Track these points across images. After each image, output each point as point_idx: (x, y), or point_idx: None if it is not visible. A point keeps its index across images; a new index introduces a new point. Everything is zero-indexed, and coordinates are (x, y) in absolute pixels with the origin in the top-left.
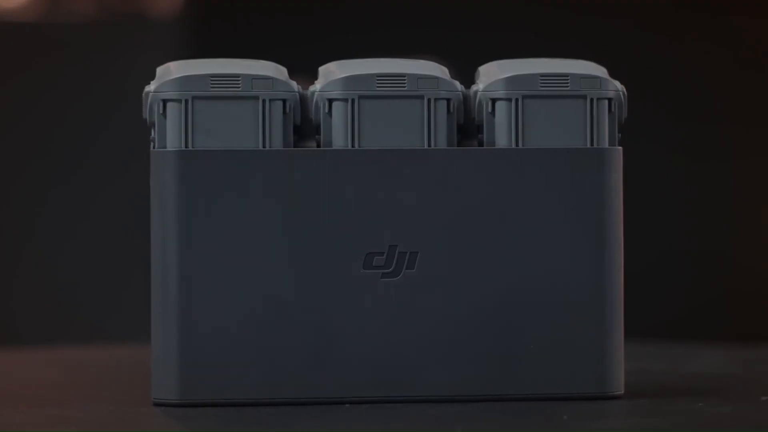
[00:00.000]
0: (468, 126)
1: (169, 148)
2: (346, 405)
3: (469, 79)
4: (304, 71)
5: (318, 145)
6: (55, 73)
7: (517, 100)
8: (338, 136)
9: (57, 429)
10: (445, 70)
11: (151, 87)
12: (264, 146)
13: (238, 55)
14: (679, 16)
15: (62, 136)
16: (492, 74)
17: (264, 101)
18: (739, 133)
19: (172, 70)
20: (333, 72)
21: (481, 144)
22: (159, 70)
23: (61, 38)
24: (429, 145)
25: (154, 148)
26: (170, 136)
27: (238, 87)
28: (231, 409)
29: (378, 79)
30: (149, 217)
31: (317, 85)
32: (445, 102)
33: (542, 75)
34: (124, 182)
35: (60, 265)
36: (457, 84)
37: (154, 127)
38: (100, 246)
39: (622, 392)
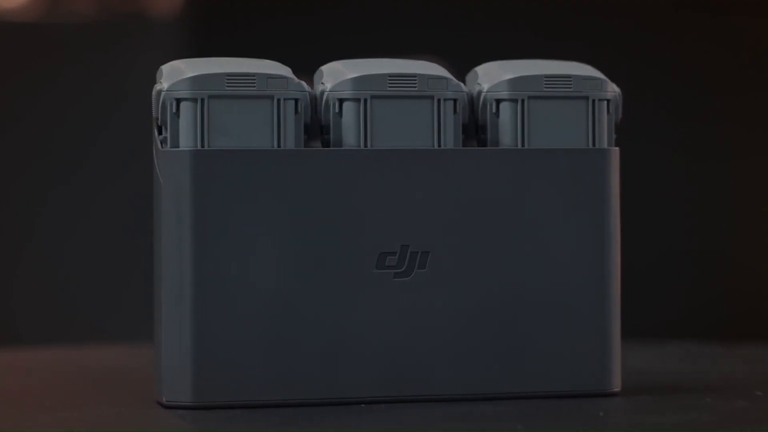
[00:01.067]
0: (467, 126)
1: (182, 148)
2: (362, 405)
3: (462, 80)
4: (304, 71)
5: (323, 145)
6: (55, 73)
7: (522, 101)
8: (349, 136)
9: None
10: (445, 70)
11: (164, 86)
12: (279, 146)
13: (239, 55)
14: (679, 16)
15: (62, 136)
16: (494, 75)
17: (279, 101)
18: (739, 133)
19: (184, 68)
20: (341, 72)
21: (482, 144)
22: (165, 68)
23: (61, 38)
24: (439, 145)
25: (162, 147)
26: (184, 136)
27: (254, 86)
28: (244, 411)
29: (390, 79)
30: (151, 217)
31: (327, 85)
32: (452, 102)
33: (546, 76)
34: (124, 182)
35: (60, 265)
36: (462, 84)
37: (166, 126)
38: (100, 246)
39: (620, 389)
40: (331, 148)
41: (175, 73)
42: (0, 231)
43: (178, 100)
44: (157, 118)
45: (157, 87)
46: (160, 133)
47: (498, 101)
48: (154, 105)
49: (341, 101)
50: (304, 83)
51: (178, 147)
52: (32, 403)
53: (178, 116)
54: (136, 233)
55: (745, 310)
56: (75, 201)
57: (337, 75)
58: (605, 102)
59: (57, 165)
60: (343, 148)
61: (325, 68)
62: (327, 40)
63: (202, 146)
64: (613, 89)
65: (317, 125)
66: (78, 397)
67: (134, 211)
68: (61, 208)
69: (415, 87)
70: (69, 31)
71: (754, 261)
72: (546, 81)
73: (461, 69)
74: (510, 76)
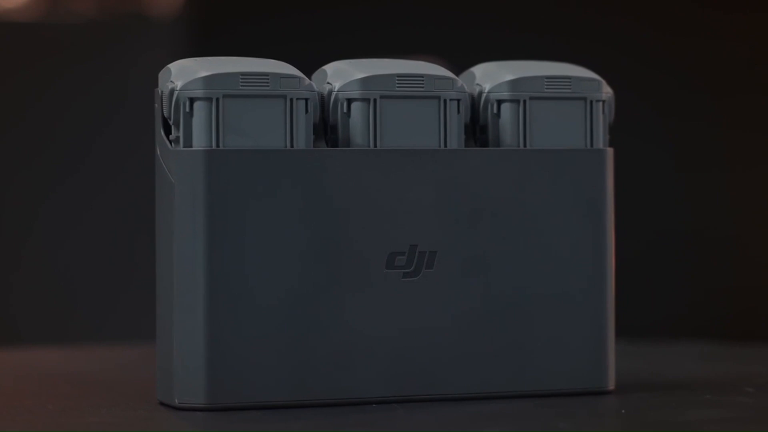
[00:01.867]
0: (466, 126)
1: (196, 147)
2: (373, 405)
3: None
4: (303, 71)
5: (329, 144)
6: (55, 73)
7: (524, 101)
8: (356, 135)
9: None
10: (448, 71)
11: (177, 84)
12: (291, 145)
13: (239, 55)
14: (680, 16)
15: (62, 136)
16: (494, 76)
17: (291, 100)
18: (741, 133)
19: (196, 68)
20: (348, 72)
21: (482, 144)
22: (173, 67)
23: (61, 38)
24: (444, 145)
25: (173, 146)
26: (197, 135)
27: (267, 86)
28: (255, 412)
29: (398, 80)
30: (152, 217)
31: (334, 85)
32: (456, 102)
33: (547, 77)
34: (124, 182)
35: (60, 265)
36: (465, 85)
37: (178, 125)
38: (100, 246)
39: (613, 387)
40: (345, 148)
41: (187, 73)
42: (0, 231)
43: (192, 99)
44: (169, 117)
45: (169, 86)
46: (167, 132)
47: (499, 102)
48: (165, 104)
49: (349, 101)
50: (313, 83)
51: (192, 146)
52: (32, 403)
53: (192, 115)
54: (136, 233)
55: (743, 309)
56: (75, 201)
57: (343, 75)
58: (601, 103)
59: (57, 165)
60: (351, 148)
61: (328, 68)
62: (326, 40)
63: (217, 146)
64: (607, 90)
65: (322, 124)
66: (78, 397)
67: (134, 211)
68: (61, 208)
69: (423, 87)
70: (69, 31)
71: (754, 261)
72: (547, 82)
73: (462, 69)
74: (511, 77)
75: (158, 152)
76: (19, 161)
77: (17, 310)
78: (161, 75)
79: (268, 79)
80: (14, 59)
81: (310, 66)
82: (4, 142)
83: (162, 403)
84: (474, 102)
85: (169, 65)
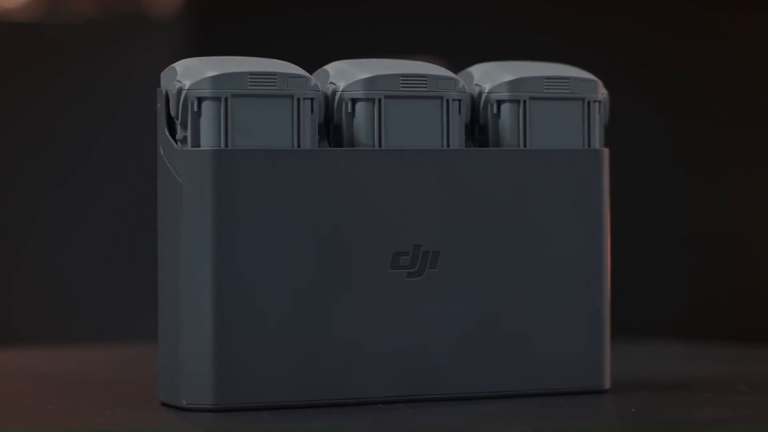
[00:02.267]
0: (465, 126)
1: (204, 147)
2: (378, 405)
3: None
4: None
5: (332, 144)
6: (55, 73)
7: (524, 102)
8: (361, 135)
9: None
10: (449, 71)
11: (185, 84)
12: (298, 145)
13: (239, 55)
14: (680, 16)
15: (62, 136)
16: (493, 76)
17: (298, 100)
18: (741, 133)
19: (203, 67)
20: (351, 72)
21: (482, 144)
22: (178, 67)
23: (61, 38)
24: (447, 145)
25: (180, 146)
26: (205, 135)
27: (275, 85)
28: (261, 413)
29: (402, 80)
30: (153, 216)
31: (338, 85)
32: (458, 103)
33: (546, 78)
34: (124, 182)
35: (60, 265)
36: (466, 85)
37: (186, 125)
38: (100, 246)
39: (609, 386)
40: (351, 148)
41: (194, 72)
42: (0, 231)
43: (200, 99)
44: (176, 117)
45: (176, 85)
46: (172, 132)
47: (499, 102)
48: (172, 103)
49: (354, 101)
50: (317, 83)
51: (199, 146)
52: (32, 403)
53: (199, 115)
54: (137, 233)
55: (743, 309)
56: (75, 201)
57: (347, 75)
58: (597, 103)
59: (57, 165)
60: (356, 147)
61: (329, 68)
62: (326, 40)
63: (225, 145)
64: (602, 91)
65: (324, 124)
66: (78, 397)
67: (135, 211)
68: (61, 208)
69: (426, 87)
70: (69, 31)
71: (754, 261)
72: (546, 82)
73: (461, 69)
74: (511, 77)
75: (162, 152)
76: (19, 161)
77: (17, 310)
78: (165, 74)
79: (275, 78)
80: (14, 59)
81: (310, 66)
82: (4, 142)
83: (164, 404)
84: (473, 102)
85: (174, 64)
